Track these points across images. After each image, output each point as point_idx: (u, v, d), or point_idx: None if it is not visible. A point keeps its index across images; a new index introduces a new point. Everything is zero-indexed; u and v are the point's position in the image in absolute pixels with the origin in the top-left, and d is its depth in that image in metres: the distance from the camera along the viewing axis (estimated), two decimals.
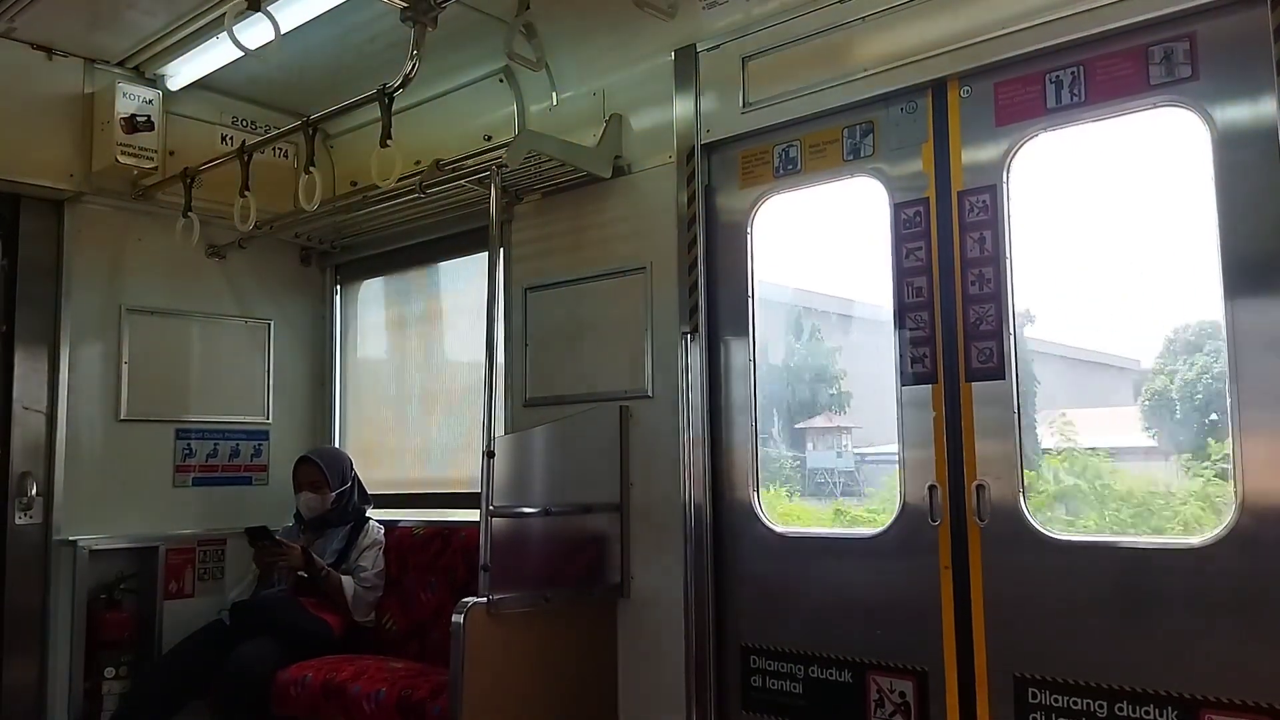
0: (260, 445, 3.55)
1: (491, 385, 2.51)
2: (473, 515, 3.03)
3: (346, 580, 3.14)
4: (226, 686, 2.85)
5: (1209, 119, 1.95)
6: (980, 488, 2.16)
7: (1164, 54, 2.01)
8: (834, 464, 3.41)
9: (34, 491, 3.05)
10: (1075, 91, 2.11)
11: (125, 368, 3.25)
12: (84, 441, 3.15)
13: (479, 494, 2.42)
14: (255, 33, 2.60)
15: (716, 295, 2.65)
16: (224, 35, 2.61)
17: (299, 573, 3.09)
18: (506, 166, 2.67)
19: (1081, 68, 2.10)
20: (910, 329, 2.30)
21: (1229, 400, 1.89)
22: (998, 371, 2.16)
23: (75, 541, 3.07)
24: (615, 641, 2.70)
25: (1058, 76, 2.13)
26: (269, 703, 2.82)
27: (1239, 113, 1.92)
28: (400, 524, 3.37)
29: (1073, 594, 2.03)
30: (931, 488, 2.23)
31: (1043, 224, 2.24)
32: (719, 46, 2.65)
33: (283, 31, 2.56)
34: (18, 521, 3.03)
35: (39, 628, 3.04)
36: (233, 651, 2.89)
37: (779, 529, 2.53)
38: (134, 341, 3.27)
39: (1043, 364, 2.43)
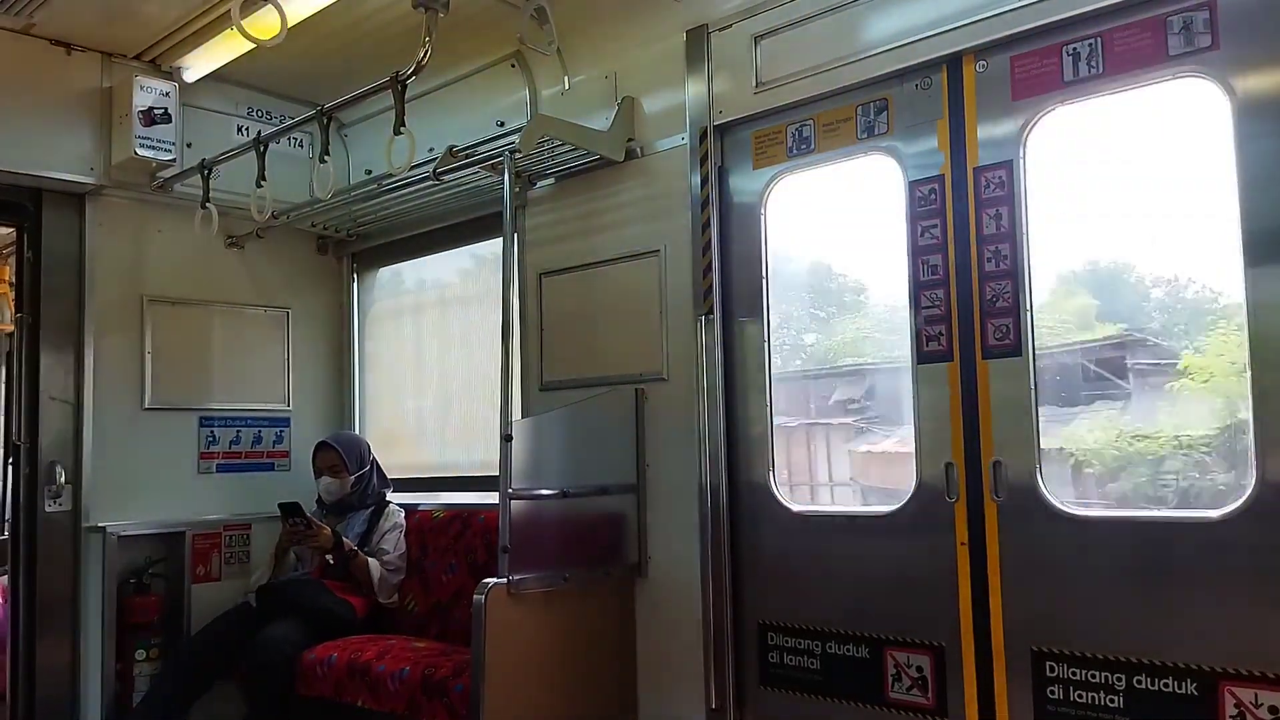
0: (282, 432, 3.60)
1: (508, 370, 2.53)
2: (492, 498, 3.05)
3: (373, 562, 3.19)
4: (253, 667, 2.91)
5: (1229, 89, 1.93)
6: (997, 464, 2.16)
7: (1183, 24, 1.98)
8: None
9: (63, 480, 3.11)
10: (1093, 63, 2.08)
11: (148, 357, 3.30)
12: (110, 430, 3.20)
13: (497, 477, 2.45)
14: (266, 24, 2.61)
15: (731, 276, 2.66)
16: (235, 27, 2.62)
17: (325, 555, 3.14)
18: (520, 152, 2.68)
19: (1100, 39, 2.08)
20: (925, 307, 2.30)
21: (1249, 371, 1.88)
22: (1014, 349, 2.16)
23: (104, 528, 3.13)
24: (634, 620, 2.73)
25: (1075, 49, 2.10)
26: (295, 682, 2.88)
27: (1260, 82, 1.90)
28: (420, 507, 3.41)
29: (1090, 568, 2.03)
30: (948, 465, 2.23)
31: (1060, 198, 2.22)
32: (730, 26, 2.63)
33: (294, 21, 2.57)
34: (48, 509, 3.10)
35: (71, 612, 3.11)
36: (259, 633, 2.95)
37: (796, 508, 2.55)
38: (156, 331, 3.32)
39: None
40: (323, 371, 3.77)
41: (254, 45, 2.58)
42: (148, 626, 3.19)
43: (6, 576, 3.31)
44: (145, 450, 3.27)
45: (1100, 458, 2.32)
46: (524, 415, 2.94)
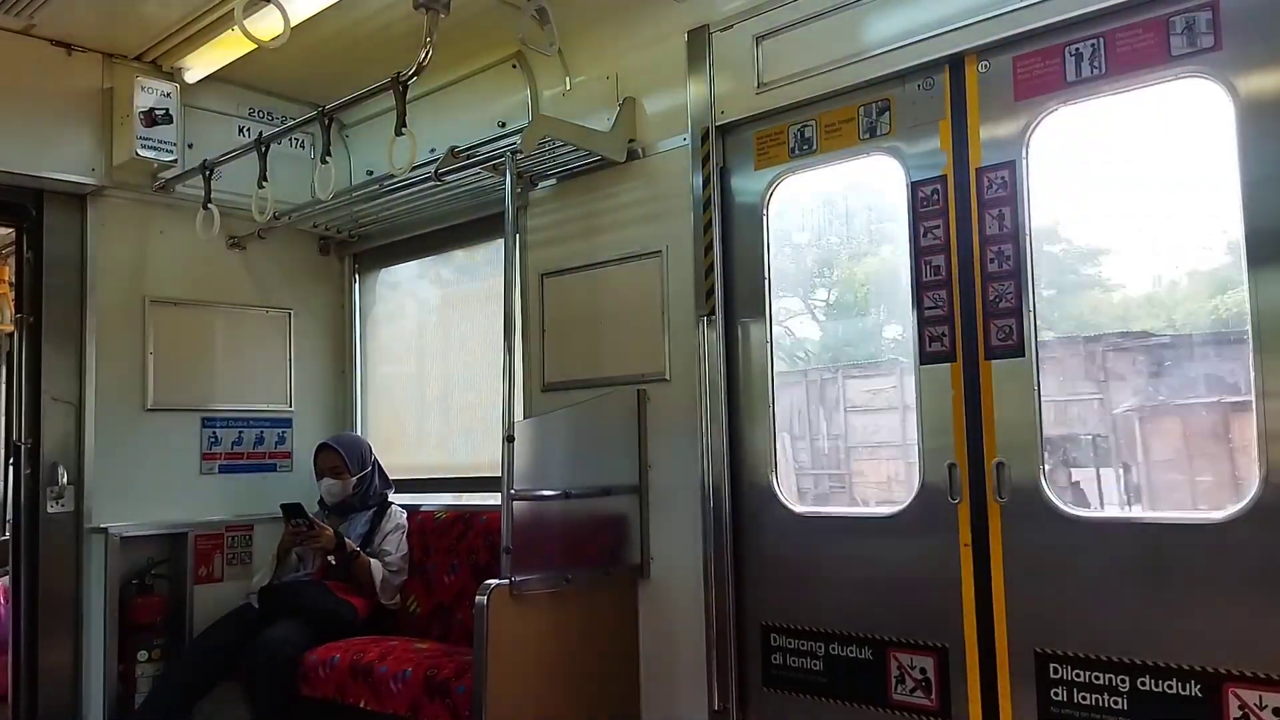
0: (284, 433, 3.60)
1: (510, 371, 2.53)
2: (494, 499, 3.06)
3: (375, 564, 3.19)
4: (256, 668, 2.91)
5: (1232, 89, 1.92)
6: (1000, 466, 2.16)
7: (1186, 24, 1.98)
8: None
9: (65, 480, 3.12)
10: (1095, 64, 2.08)
11: (151, 358, 3.30)
12: (112, 431, 3.20)
13: (500, 478, 2.45)
14: (267, 25, 2.61)
15: (733, 277, 2.66)
16: (238, 28, 2.63)
17: (327, 556, 3.14)
18: (521, 152, 2.68)
19: (1102, 39, 2.07)
20: (928, 308, 2.30)
21: (1252, 374, 1.88)
22: (1017, 349, 2.16)
23: (106, 529, 3.13)
24: (636, 621, 2.73)
25: (1077, 49, 2.10)
26: (298, 683, 2.88)
27: (1263, 82, 1.89)
28: (422, 508, 3.41)
29: (1094, 570, 2.03)
30: (951, 466, 2.23)
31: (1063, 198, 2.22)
32: (732, 27, 2.63)
33: (296, 22, 2.57)
34: (50, 510, 3.10)
35: (73, 612, 3.11)
36: (261, 634, 2.95)
37: (798, 509, 2.55)
38: (158, 332, 3.32)
39: None
40: (325, 372, 3.77)
41: (256, 46, 2.58)
42: (150, 627, 3.19)
43: (8, 577, 3.31)
44: (147, 451, 3.27)
45: None
46: (526, 416, 2.94)
